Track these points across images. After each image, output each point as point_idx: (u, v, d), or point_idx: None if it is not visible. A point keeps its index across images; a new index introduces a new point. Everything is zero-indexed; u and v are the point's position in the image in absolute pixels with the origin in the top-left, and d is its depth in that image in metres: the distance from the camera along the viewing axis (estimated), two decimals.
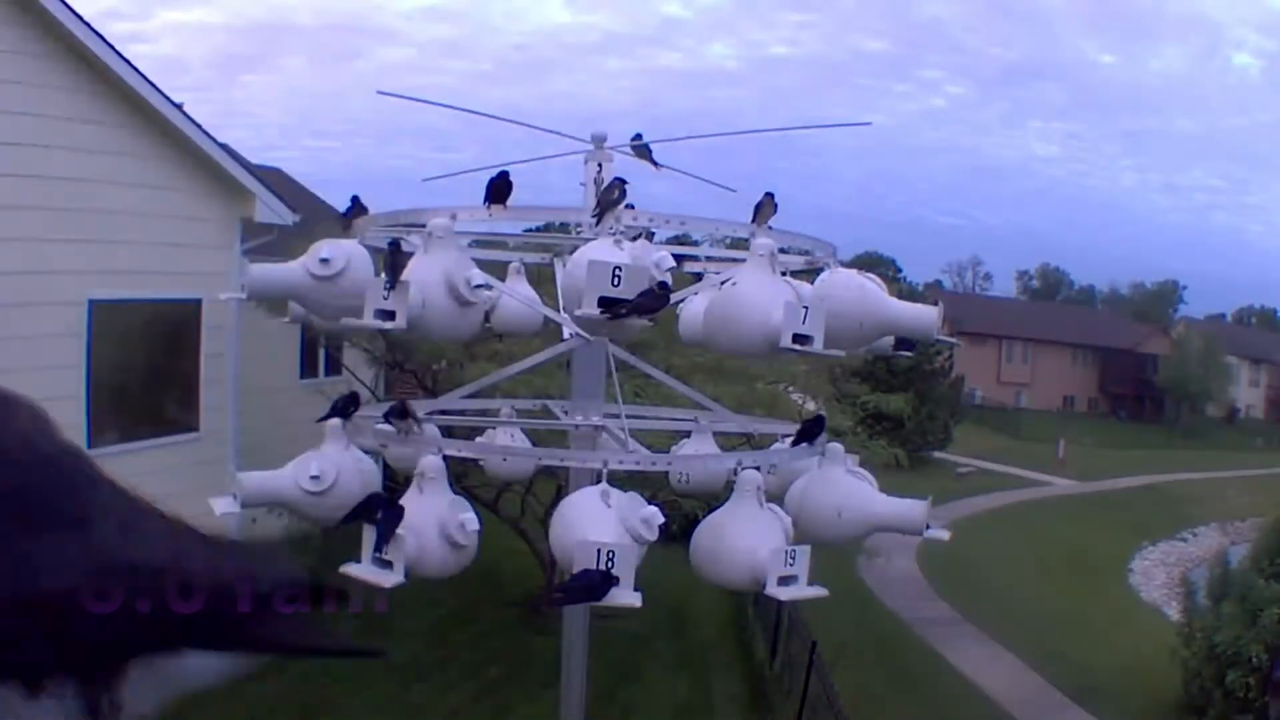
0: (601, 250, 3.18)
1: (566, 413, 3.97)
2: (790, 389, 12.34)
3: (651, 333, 7.77)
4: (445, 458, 3.33)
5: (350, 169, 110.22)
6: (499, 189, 3.40)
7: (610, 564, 2.86)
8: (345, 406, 3.60)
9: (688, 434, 4.25)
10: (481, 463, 4.56)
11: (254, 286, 3.30)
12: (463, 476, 8.74)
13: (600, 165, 3.74)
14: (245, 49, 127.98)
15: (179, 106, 10.21)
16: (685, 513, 7.23)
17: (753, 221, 3.50)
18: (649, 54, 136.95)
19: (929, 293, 51.46)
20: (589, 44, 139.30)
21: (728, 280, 3.31)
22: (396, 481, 4.72)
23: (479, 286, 3.22)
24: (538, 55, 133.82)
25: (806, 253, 3.62)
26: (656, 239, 3.90)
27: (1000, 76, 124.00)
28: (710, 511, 3.46)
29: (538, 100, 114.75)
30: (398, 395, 12.23)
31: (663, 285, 3.09)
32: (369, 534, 3.06)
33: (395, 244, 3.20)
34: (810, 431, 3.64)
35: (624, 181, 3.47)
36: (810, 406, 11.19)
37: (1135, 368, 55.59)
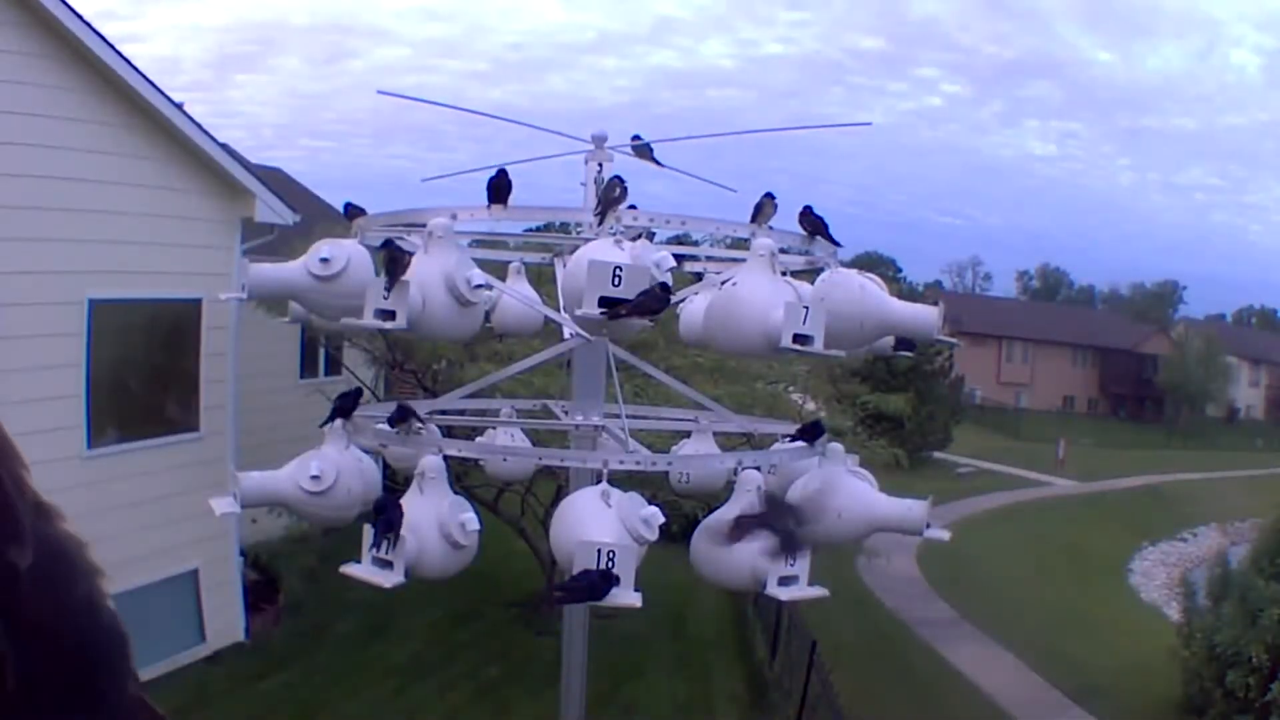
0: (602, 250, 3.18)
1: (567, 413, 3.97)
2: (790, 389, 12.35)
3: (651, 333, 7.79)
4: (445, 458, 3.33)
5: (347, 169, 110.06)
6: (499, 188, 3.40)
7: (610, 564, 2.86)
8: (347, 404, 3.60)
9: (688, 434, 4.25)
10: (481, 463, 4.56)
11: (254, 286, 3.30)
12: (463, 476, 8.76)
13: (600, 165, 3.74)
14: (240, 49, 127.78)
15: (179, 106, 10.20)
16: (685, 513, 7.23)
17: (753, 221, 3.50)
18: (644, 53, 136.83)
19: (929, 293, 51.50)
20: (584, 43, 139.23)
21: (728, 280, 3.31)
22: (396, 481, 4.73)
23: (479, 286, 3.22)
24: (533, 54, 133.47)
25: (806, 253, 3.62)
26: (656, 239, 3.90)
27: (997, 75, 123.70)
28: (710, 512, 3.46)
29: (533, 99, 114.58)
30: (398, 394, 12.24)
31: (663, 285, 3.09)
32: (369, 534, 3.06)
33: (392, 244, 3.20)
34: (811, 432, 3.64)
35: (624, 180, 3.47)
36: (810, 406, 11.20)
37: (1135, 368, 55.58)
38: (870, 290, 3.34)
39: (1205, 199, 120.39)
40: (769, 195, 3.52)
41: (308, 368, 15.36)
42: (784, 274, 3.28)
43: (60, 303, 9.07)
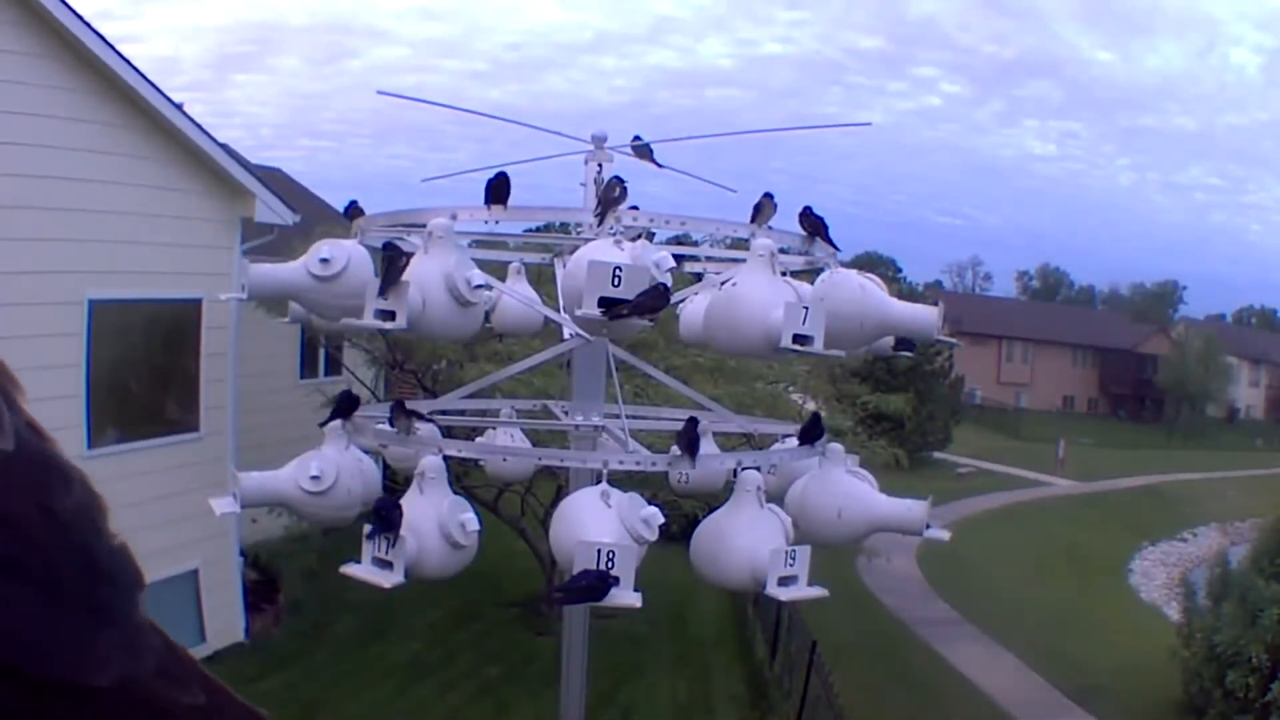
0: (601, 250, 3.18)
1: (567, 413, 3.97)
2: (790, 389, 12.35)
3: (651, 333, 7.78)
4: (445, 458, 3.33)
5: (346, 169, 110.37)
6: (498, 189, 3.40)
7: (610, 564, 2.85)
8: (345, 406, 3.60)
9: None
10: (481, 463, 4.55)
11: (254, 286, 3.30)
12: (463, 476, 8.76)
13: (600, 165, 3.74)
14: (239, 49, 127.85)
15: (179, 106, 10.19)
16: (685, 513, 7.23)
17: (752, 221, 3.50)
18: (642, 52, 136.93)
19: (929, 293, 51.47)
20: (582, 43, 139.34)
21: (728, 280, 3.31)
22: (396, 482, 4.73)
23: (479, 286, 3.22)
24: (531, 54, 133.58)
25: (806, 253, 3.61)
26: (656, 239, 3.90)
27: (996, 74, 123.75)
28: (710, 512, 3.46)
29: (531, 99, 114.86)
30: (397, 395, 12.25)
31: (662, 285, 3.08)
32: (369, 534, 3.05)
33: (392, 247, 3.20)
34: (811, 432, 3.63)
35: (624, 180, 3.47)
36: (810, 407, 11.20)
37: (1135, 368, 55.59)
38: (870, 290, 3.34)
39: (1205, 199, 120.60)
40: (768, 195, 3.52)
41: (308, 368, 15.36)
42: (784, 274, 3.28)
43: (60, 303, 9.07)
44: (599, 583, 2.84)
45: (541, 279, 4.74)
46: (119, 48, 9.32)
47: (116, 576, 0.73)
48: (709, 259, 4.51)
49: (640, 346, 7.48)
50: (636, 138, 4.00)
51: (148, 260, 9.97)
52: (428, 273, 3.12)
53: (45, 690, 0.66)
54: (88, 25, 8.91)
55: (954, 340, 4.19)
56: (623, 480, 3.26)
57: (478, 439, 4.51)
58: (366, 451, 3.62)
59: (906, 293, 28.88)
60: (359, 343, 13.63)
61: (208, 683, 0.76)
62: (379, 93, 9.48)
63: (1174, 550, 26.65)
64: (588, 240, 3.45)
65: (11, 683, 0.65)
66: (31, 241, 8.74)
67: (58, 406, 8.78)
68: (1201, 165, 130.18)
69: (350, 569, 3.08)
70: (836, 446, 3.68)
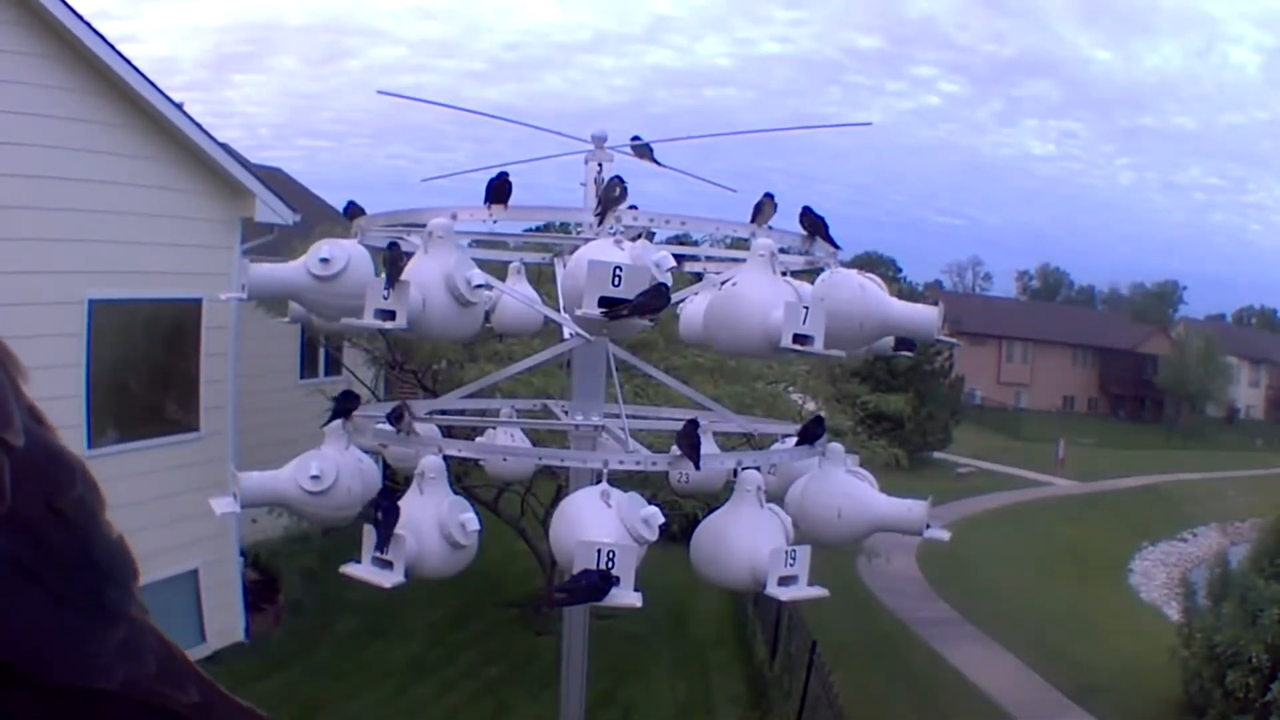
0: (602, 250, 3.18)
1: (567, 413, 3.97)
2: (790, 389, 12.34)
3: (651, 333, 7.79)
4: (445, 458, 3.33)
5: (345, 169, 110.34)
6: (499, 189, 3.40)
7: (610, 564, 2.86)
8: (345, 406, 3.60)
9: None
10: (481, 463, 4.56)
11: (254, 286, 3.30)
12: (463, 476, 8.76)
13: (600, 165, 3.74)
14: (237, 49, 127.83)
15: (179, 106, 10.19)
16: (685, 513, 7.23)
17: (752, 221, 3.50)
18: (640, 52, 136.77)
19: (929, 293, 51.45)
20: (580, 42, 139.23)
21: (728, 280, 3.31)
22: (396, 482, 4.73)
23: (479, 286, 3.22)
24: (529, 54, 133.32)
25: (806, 253, 3.62)
26: (656, 239, 3.90)
27: (995, 74, 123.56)
28: (710, 512, 3.46)
29: (530, 99, 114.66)
30: (398, 395, 12.24)
31: (662, 285, 3.08)
32: (369, 534, 3.06)
33: (395, 245, 3.20)
34: (811, 432, 3.63)
35: (624, 180, 3.47)
36: (810, 407, 11.19)
37: (1135, 368, 55.59)
38: (870, 290, 3.34)
39: (1205, 198, 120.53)
40: (769, 195, 3.52)
41: (308, 368, 15.36)
42: (784, 274, 3.28)
43: (60, 303, 9.07)
44: (599, 583, 2.84)
45: (541, 279, 4.74)
46: (118, 47, 9.32)
47: (116, 572, 0.73)
48: (709, 259, 4.51)
49: (640, 346, 7.48)
50: (636, 137, 4.00)
51: (148, 260, 9.96)
52: (428, 273, 3.12)
53: (51, 693, 0.66)
54: (88, 25, 8.90)
55: (954, 340, 4.19)
56: (623, 480, 3.26)
57: (478, 439, 4.51)
58: (366, 451, 3.62)
59: (906, 293, 28.84)
60: (359, 343, 13.63)
61: (200, 679, 0.76)
62: (379, 92, 9.50)
63: (1174, 550, 26.64)
64: (588, 240, 3.45)
65: (20, 686, 0.65)
66: (31, 241, 8.74)
67: (58, 406, 8.77)
68: (1201, 165, 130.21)
69: (350, 569, 3.08)
70: (836, 446, 3.68)
